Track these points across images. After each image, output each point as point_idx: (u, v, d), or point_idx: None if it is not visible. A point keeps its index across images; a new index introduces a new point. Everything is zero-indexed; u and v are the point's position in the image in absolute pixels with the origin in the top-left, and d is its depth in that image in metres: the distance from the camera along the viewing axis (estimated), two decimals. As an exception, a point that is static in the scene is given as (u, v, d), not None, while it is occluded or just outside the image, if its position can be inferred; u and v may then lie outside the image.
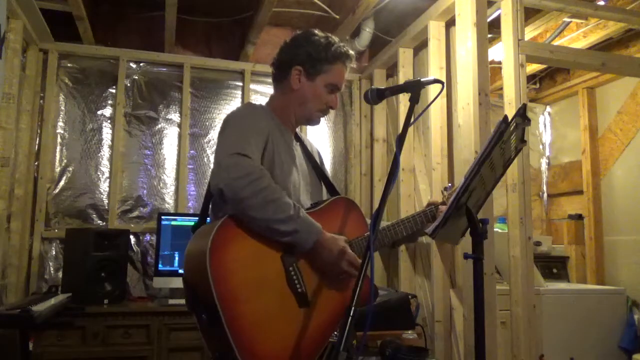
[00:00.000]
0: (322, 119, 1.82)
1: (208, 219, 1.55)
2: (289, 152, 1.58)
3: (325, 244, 1.38)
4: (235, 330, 1.22)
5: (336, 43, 1.62)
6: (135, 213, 3.43)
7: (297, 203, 1.39)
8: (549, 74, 4.24)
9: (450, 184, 2.11)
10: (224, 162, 1.33)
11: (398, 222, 1.66)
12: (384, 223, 1.63)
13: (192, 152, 3.59)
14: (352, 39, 3.66)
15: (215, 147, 1.57)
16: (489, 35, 2.65)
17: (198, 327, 1.37)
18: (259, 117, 1.54)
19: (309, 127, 3.63)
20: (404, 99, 3.23)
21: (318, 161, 1.75)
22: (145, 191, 3.48)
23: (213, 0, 3.55)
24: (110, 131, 3.45)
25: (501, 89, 2.71)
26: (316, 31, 1.65)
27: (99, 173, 3.40)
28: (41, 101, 3.31)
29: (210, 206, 1.54)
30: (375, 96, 1.53)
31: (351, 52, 1.65)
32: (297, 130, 1.73)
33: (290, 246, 1.37)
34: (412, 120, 1.36)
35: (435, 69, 2.95)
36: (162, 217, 3.11)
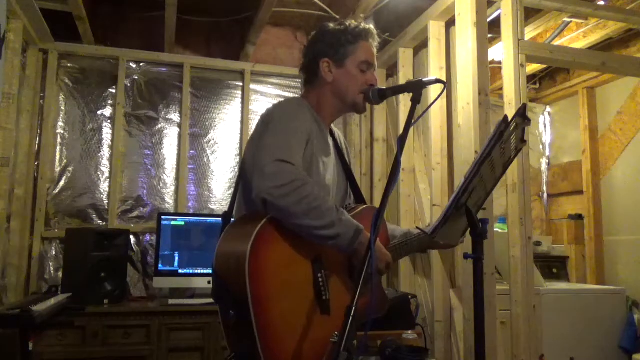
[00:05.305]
0: None
1: None
2: (325, 151, 1.57)
3: (363, 247, 1.34)
4: (262, 329, 1.25)
5: (352, 24, 1.62)
6: (135, 213, 3.44)
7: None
8: (549, 74, 4.24)
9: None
10: (267, 169, 1.31)
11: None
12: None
13: (192, 152, 3.59)
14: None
15: (252, 143, 1.51)
16: (489, 35, 2.65)
17: (221, 321, 1.39)
18: (303, 116, 1.52)
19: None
20: (404, 99, 3.23)
21: (347, 158, 1.74)
22: (145, 191, 3.48)
23: (213, 0, 3.55)
24: (110, 131, 3.45)
25: (501, 89, 2.71)
26: (329, 23, 1.65)
27: (99, 173, 3.40)
28: (41, 101, 3.31)
29: (239, 193, 1.55)
30: (377, 96, 1.53)
31: (369, 26, 1.63)
32: None
33: (329, 249, 1.38)
34: (413, 120, 1.36)
35: (435, 69, 2.95)
36: (162, 217, 3.11)
